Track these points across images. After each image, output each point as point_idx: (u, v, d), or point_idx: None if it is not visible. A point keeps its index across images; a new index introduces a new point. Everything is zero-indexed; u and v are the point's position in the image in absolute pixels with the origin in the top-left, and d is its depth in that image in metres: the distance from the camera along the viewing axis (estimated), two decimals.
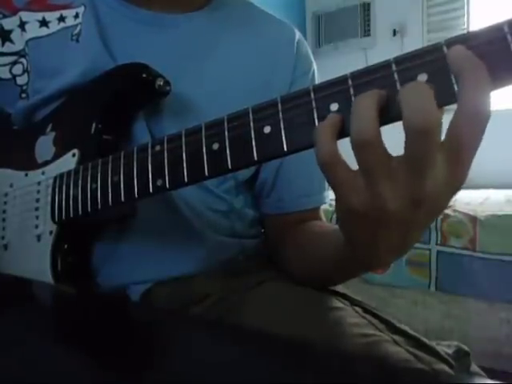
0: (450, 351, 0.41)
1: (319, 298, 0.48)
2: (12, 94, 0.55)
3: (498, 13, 2.46)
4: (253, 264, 0.57)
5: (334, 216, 1.64)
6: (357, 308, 0.47)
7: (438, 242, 1.51)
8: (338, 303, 0.47)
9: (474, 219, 1.47)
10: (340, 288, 0.51)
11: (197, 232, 0.52)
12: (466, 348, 0.43)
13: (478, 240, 1.45)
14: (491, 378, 0.38)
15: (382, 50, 2.83)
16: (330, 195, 0.61)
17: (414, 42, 2.73)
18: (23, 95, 0.55)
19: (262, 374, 0.22)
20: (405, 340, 0.41)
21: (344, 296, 0.49)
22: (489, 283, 1.43)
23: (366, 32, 2.97)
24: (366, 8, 2.96)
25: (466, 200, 1.71)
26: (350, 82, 0.30)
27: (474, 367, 0.42)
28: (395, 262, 1.58)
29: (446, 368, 0.37)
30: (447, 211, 1.53)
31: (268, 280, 0.53)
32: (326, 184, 0.58)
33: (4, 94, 0.55)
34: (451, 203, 1.62)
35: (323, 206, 0.60)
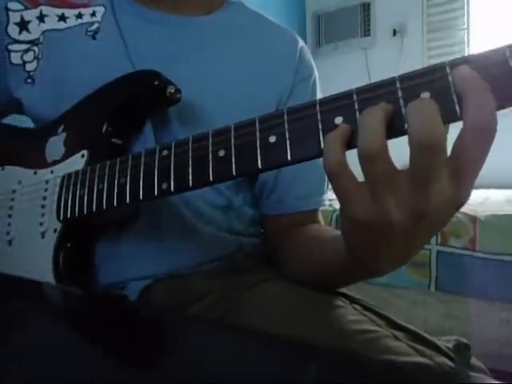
0: (449, 345, 0.41)
1: (319, 296, 0.48)
2: (19, 78, 0.57)
3: (498, 13, 2.46)
4: (251, 263, 0.57)
5: (335, 216, 1.64)
6: (356, 306, 0.47)
7: (438, 242, 1.51)
8: (337, 301, 0.47)
9: (473, 219, 1.47)
10: None
11: (195, 228, 0.53)
12: (465, 341, 0.43)
13: (477, 240, 1.45)
14: (491, 378, 0.38)
15: (381, 49, 2.83)
16: (330, 195, 0.61)
17: (413, 42, 2.73)
18: (29, 80, 0.57)
19: (262, 374, 0.22)
20: (405, 335, 0.41)
21: (343, 294, 0.50)
22: (489, 283, 1.43)
23: (366, 32, 2.97)
24: (366, 8, 2.95)
25: None
26: (354, 96, 0.31)
27: (475, 360, 0.42)
28: None
29: (446, 361, 0.38)
30: None
31: (268, 279, 0.53)
32: (325, 187, 0.59)
33: (12, 79, 0.57)
34: None
35: (323, 206, 0.60)
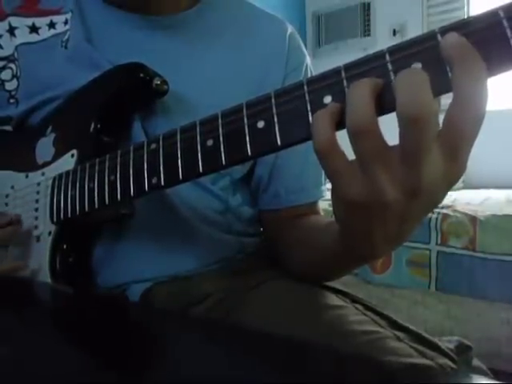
0: (451, 346, 0.41)
1: (320, 296, 0.48)
2: (0, 99, 0.55)
3: None
4: (253, 263, 0.57)
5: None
6: (358, 305, 0.47)
7: (438, 242, 1.51)
8: (338, 301, 0.47)
9: (473, 219, 1.48)
10: (341, 286, 0.51)
11: (194, 230, 0.52)
12: (467, 342, 0.43)
13: (477, 240, 1.45)
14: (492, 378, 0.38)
15: None
16: (329, 195, 0.61)
17: None
18: (11, 100, 0.55)
19: (263, 374, 0.22)
20: (407, 336, 0.41)
21: (345, 294, 0.49)
22: (489, 283, 1.43)
23: (366, 32, 2.97)
24: (366, 8, 2.96)
25: (466, 200, 1.71)
26: (343, 73, 0.29)
27: (476, 361, 0.42)
28: (395, 262, 1.58)
29: (448, 362, 0.37)
30: (447, 211, 1.53)
31: (269, 279, 0.53)
32: (323, 178, 0.58)
33: None
34: (451, 203, 1.62)
35: (323, 206, 0.59)
